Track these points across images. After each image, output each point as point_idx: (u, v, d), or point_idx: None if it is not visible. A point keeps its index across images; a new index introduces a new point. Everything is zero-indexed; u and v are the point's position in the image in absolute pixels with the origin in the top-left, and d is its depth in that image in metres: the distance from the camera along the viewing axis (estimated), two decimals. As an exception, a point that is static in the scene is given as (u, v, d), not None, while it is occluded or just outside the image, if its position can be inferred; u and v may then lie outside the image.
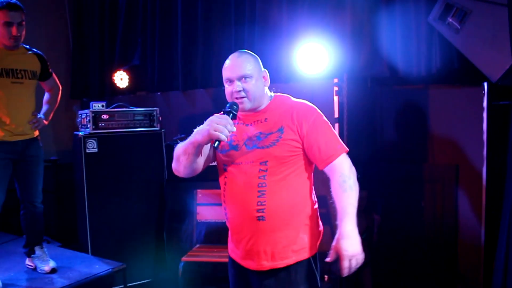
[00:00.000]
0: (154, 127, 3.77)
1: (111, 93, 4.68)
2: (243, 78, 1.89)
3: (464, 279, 3.82)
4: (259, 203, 1.85)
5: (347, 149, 1.90)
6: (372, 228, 3.89)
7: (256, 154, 1.86)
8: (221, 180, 1.98)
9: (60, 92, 3.32)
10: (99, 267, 3.27)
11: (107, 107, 3.70)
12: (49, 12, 4.98)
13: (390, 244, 3.92)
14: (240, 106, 1.89)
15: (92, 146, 3.54)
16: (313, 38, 3.61)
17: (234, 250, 2.00)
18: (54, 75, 3.26)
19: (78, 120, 3.76)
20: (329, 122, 1.94)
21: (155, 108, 3.77)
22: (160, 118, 3.80)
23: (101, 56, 4.80)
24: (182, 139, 3.72)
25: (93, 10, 4.85)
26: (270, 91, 2.03)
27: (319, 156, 1.87)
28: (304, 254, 1.90)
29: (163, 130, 3.82)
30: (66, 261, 3.33)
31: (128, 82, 4.52)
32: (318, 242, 1.98)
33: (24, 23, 2.95)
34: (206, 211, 3.53)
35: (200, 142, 1.80)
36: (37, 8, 4.65)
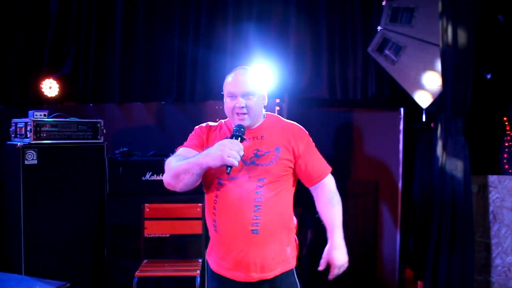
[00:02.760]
0: (98, 139, 3.67)
1: (35, 102, 4.40)
2: (247, 95, 1.96)
3: (381, 285, 4.30)
4: (254, 217, 1.93)
5: (331, 169, 2.11)
6: (304, 242, 4.21)
7: (254, 170, 1.94)
8: (212, 193, 2.01)
9: None
10: (39, 287, 3.08)
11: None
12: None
13: (317, 255, 4.27)
14: (239, 122, 1.96)
15: (31, 158, 3.34)
16: (257, 58, 3.87)
17: (218, 262, 2.03)
18: None
19: (11, 129, 3.51)
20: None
21: (99, 120, 3.68)
22: (105, 130, 3.71)
23: (25, 61, 4.49)
24: (125, 153, 3.73)
25: (16, 10, 4.52)
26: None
27: (311, 175, 2.04)
28: (288, 265, 2.05)
29: (106, 142, 3.73)
30: (-1, 283, 3.07)
31: (58, 91, 4.30)
32: (297, 254, 2.13)
33: None
34: (154, 225, 3.53)
35: (211, 166, 1.83)
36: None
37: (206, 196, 2.06)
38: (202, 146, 2.04)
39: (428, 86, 3.30)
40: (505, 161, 4.42)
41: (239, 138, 1.87)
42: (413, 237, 4.43)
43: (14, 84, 4.47)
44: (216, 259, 2.05)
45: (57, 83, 4.31)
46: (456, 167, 3.15)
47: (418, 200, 4.37)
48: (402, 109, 4.10)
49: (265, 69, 3.75)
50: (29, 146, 3.36)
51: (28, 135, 3.35)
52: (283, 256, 2.03)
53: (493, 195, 3.70)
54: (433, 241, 3.26)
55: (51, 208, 3.46)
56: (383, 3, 3.41)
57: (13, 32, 4.51)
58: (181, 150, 2.03)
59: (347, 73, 3.88)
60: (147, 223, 3.52)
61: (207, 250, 2.12)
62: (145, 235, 3.51)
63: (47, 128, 3.43)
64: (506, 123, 4.38)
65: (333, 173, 4.28)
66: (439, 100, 3.25)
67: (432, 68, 3.25)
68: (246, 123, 1.97)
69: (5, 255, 3.59)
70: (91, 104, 4.40)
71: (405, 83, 3.39)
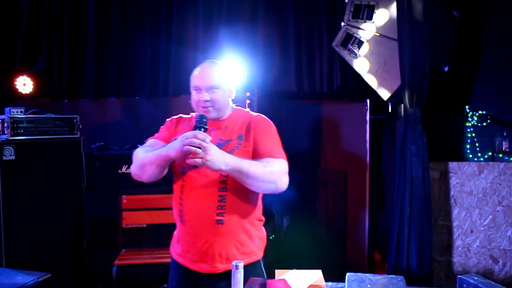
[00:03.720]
0: (75, 134, 3.82)
1: (9, 99, 4.51)
2: (211, 89, 1.98)
3: (351, 269, 4.58)
4: (219, 207, 1.94)
5: (286, 159, 1.99)
6: (281, 228, 4.45)
7: None
8: (178, 183, 2.02)
9: None
10: (21, 278, 3.23)
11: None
12: None
13: (294, 241, 4.52)
14: (204, 115, 1.95)
15: (9, 154, 3.48)
16: (228, 53, 4.06)
17: (183, 254, 2.04)
18: None
19: (-13, 126, 3.63)
20: (279, 137, 2.08)
21: (75, 115, 3.83)
22: (81, 126, 3.87)
23: (-4, 59, 4.59)
24: (101, 147, 3.90)
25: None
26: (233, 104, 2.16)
27: (257, 151, 1.96)
28: (255, 257, 2.05)
29: (82, 137, 3.89)
30: (-19, 275, 3.21)
31: (33, 88, 4.42)
32: (264, 247, 2.13)
33: None
34: (131, 216, 3.71)
35: (173, 157, 1.86)
36: None
37: (173, 188, 2.07)
38: (171, 137, 2.07)
39: (387, 79, 3.56)
40: (468, 147, 4.75)
41: (202, 129, 1.86)
42: (381, 222, 4.72)
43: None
44: (181, 252, 2.05)
45: (31, 80, 4.42)
46: (414, 154, 3.41)
47: (385, 187, 4.65)
48: (368, 101, 4.36)
49: (235, 64, 3.94)
50: (6, 142, 3.49)
51: (6, 132, 3.48)
52: (250, 246, 2.03)
53: (453, 181, 3.98)
54: (395, 224, 3.52)
55: (30, 202, 3.60)
56: (346, 0, 3.64)
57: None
58: (149, 142, 2.08)
59: (313, 67, 4.11)
60: (124, 214, 3.70)
61: (171, 242, 2.15)
62: (123, 226, 3.69)
63: (24, 125, 3.57)
64: (469, 112, 4.70)
65: (303, 163, 4.53)
66: (398, 91, 3.50)
67: (392, 62, 3.50)
68: (211, 115, 1.99)
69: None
70: (66, 100, 4.54)
71: (367, 76, 3.63)
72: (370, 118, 4.45)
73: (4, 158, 3.47)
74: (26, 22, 4.49)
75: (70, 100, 4.52)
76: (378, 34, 3.61)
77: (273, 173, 1.88)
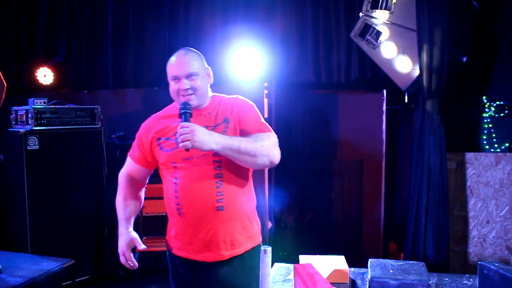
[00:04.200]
0: (95, 124, 3.92)
1: (30, 90, 4.63)
2: (191, 76, 1.95)
3: (367, 258, 4.65)
4: (218, 194, 1.93)
5: (273, 132, 2.02)
6: (303, 219, 4.53)
7: None
8: (170, 178, 2.01)
9: (5, 89, 3.32)
10: (47, 264, 3.35)
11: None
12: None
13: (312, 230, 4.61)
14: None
15: (33, 143, 3.59)
16: (246, 44, 4.11)
17: (185, 247, 2.02)
18: None
19: (12, 117, 3.74)
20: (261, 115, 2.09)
21: (96, 106, 3.93)
22: (102, 116, 3.96)
23: (17, 51, 4.70)
24: (121, 137, 3.99)
25: (6, 2, 4.72)
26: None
27: (247, 130, 1.97)
28: (256, 240, 2.06)
29: (103, 127, 3.99)
30: (8, 262, 3.32)
31: (53, 79, 4.53)
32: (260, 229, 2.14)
33: None
34: (151, 204, 3.81)
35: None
36: None
37: (164, 184, 2.07)
38: (145, 157, 2.12)
39: (406, 69, 3.59)
40: (484, 138, 4.76)
41: (187, 114, 1.88)
42: (397, 212, 4.77)
43: (9, 72, 4.67)
44: (182, 245, 2.03)
45: (51, 71, 4.53)
46: (432, 144, 3.45)
47: (401, 177, 4.69)
48: (384, 91, 4.39)
49: (253, 54, 3.99)
50: (30, 132, 3.60)
51: (30, 122, 3.58)
52: (252, 230, 2.05)
53: (470, 171, 4.01)
54: (412, 214, 3.58)
55: (53, 190, 3.72)
56: (364, -10, 3.66)
57: (5, 22, 4.70)
58: (127, 163, 2.21)
59: (331, 58, 4.14)
60: (145, 203, 3.77)
61: (167, 238, 2.15)
62: (144, 214, 3.79)
63: (47, 115, 3.67)
64: (486, 103, 4.71)
65: (319, 153, 4.59)
66: (416, 82, 3.53)
67: (410, 52, 3.53)
68: (193, 103, 1.97)
69: (12, 236, 3.85)
70: (85, 91, 4.64)
71: (386, 66, 3.66)
72: (386, 109, 4.48)
73: (28, 147, 3.58)
74: (46, 15, 4.60)
75: (90, 91, 4.62)
76: (396, 24, 3.63)
77: (264, 146, 1.90)
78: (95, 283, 3.98)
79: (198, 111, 2.00)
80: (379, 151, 4.53)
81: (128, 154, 2.20)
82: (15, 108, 3.75)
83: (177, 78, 1.97)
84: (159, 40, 4.46)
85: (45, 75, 4.49)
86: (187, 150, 1.82)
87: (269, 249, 1.70)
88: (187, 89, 1.95)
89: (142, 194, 2.28)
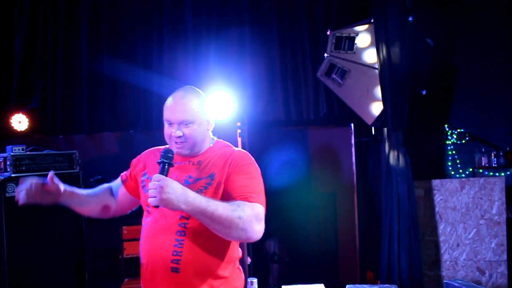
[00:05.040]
0: (74, 169, 4.02)
1: (3, 136, 4.70)
2: (184, 123, 1.83)
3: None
4: (174, 253, 1.77)
5: (264, 205, 1.81)
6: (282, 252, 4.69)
7: None
8: (143, 221, 1.93)
9: None
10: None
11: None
12: None
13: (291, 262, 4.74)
14: (177, 150, 1.87)
15: (11, 190, 3.66)
16: (218, 85, 4.34)
17: None
18: None
19: (-11, 165, 3.82)
20: (260, 178, 1.91)
21: (74, 151, 4.04)
22: (80, 161, 4.07)
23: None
24: (99, 180, 4.10)
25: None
26: (213, 135, 2.03)
27: (232, 193, 1.78)
28: None
29: (81, 172, 4.09)
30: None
31: (28, 125, 4.62)
32: (243, 284, 1.99)
33: None
34: (132, 246, 3.91)
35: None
36: None
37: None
38: (131, 178, 2.11)
39: (370, 105, 3.88)
40: (449, 164, 5.07)
41: (166, 165, 1.76)
42: (371, 241, 4.97)
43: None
44: None
45: (26, 117, 4.63)
46: (399, 174, 3.72)
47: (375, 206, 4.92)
48: (352, 125, 4.68)
49: (225, 95, 4.22)
50: (9, 180, 3.68)
51: (8, 169, 3.67)
52: None
53: (437, 197, 4.28)
54: (385, 242, 3.80)
55: (32, 236, 3.77)
56: (328, 32, 3.98)
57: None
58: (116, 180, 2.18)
59: (300, 96, 4.43)
60: (125, 244, 3.90)
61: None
62: (125, 256, 3.88)
63: (26, 161, 3.76)
64: (448, 131, 5.04)
65: (293, 187, 4.78)
66: (381, 116, 3.82)
67: (373, 89, 3.84)
68: (184, 152, 1.88)
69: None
70: (61, 136, 4.75)
71: (351, 103, 3.95)
72: (355, 141, 4.75)
73: (7, 194, 3.65)
74: (20, 61, 4.72)
75: (65, 135, 4.73)
76: (360, 63, 3.94)
77: (242, 219, 1.67)
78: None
79: (187, 158, 1.90)
80: (351, 183, 4.77)
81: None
82: (-7, 155, 3.84)
83: (170, 123, 1.86)
84: (133, 85, 4.63)
85: (19, 122, 4.58)
86: (156, 207, 1.70)
87: (255, 280, 1.86)
88: (179, 136, 1.83)
89: (108, 209, 2.13)
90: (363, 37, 3.90)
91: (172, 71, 4.61)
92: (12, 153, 3.72)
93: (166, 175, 1.72)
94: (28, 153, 3.82)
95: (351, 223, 4.79)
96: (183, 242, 1.77)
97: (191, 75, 4.57)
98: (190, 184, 1.80)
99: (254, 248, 4.43)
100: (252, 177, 1.84)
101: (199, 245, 1.79)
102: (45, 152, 3.93)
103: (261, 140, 4.66)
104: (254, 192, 1.79)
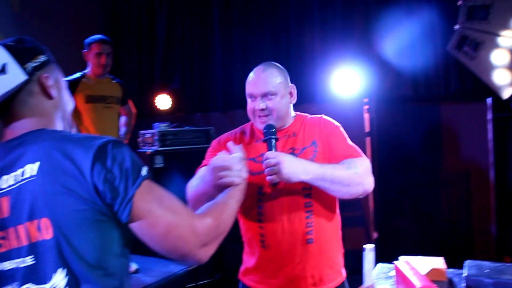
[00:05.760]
0: (210, 144, 4.47)
1: (150, 115, 5.36)
2: (267, 96, 1.85)
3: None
4: (307, 225, 1.82)
5: (364, 156, 1.88)
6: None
7: None
8: (252, 205, 1.88)
9: (135, 116, 4.02)
10: (173, 267, 3.93)
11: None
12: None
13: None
14: (262, 125, 1.85)
15: (159, 162, 4.23)
16: (344, 62, 4.43)
17: (267, 281, 1.89)
18: (130, 101, 3.97)
19: (140, 139, 4.44)
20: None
21: (210, 127, 4.51)
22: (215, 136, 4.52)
23: (140, 81, 5.50)
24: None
25: (131, 39, 5.58)
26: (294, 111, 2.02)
27: (337, 155, 1.85)
28: (343, 275, 1.97)
29: (216, 146, 4.54)
30: (143, 264, 3.97)
31: (171, 105, 5.22)
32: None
33: (111, 55, 3.68)
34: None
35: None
36: (69, 33, 4.86)
37: (243, 210, 1.91)
38: None
39: (506, 78, 3.67)
40: None
41: (273, 140, 1.77)
42: (510, 225, 4.69)
43: (134, 100, 5.46)
44: (262, 279, 1.90)
45: (169, 97, 5.23)
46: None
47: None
48: (490, 99, 4.43)
49: (352, 72, 4.30)
50: (157, 153, 4.25)
51: (155, 143, 4.24)
52: (340, 264, 1.96)
53: None
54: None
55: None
56: (459, 3, 3.81)
57: (129, 59, 5.57)
58: (199, 172, 1.99)
59: (429, 70, 4.32)
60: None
61: (242, 270, 2.00)
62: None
63: (170, 137, 4.31)
64: None
65: (423, 165, 4.72)
66: (518, 90, 3.61)
67: (508, 60, 3.62)
68: None
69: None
70: (198, 114, 5.28)
71: (486, 76, 3.77)
72: (494, 117, 4.50)
73: (155, 166, 4.23)
74: (162, 48, 5.33)
75: (203, 113, 5.25)
76: (494, 33, 3.74)
77: (358, 174, 1.78)
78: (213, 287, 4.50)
79: (281, 132, 1.91)
80: (486, 161, 4.54)
81: (198, 168, 2.03)
82: (142, 131, 4.44)
83: (252, 96, 1.89)
84: (262, 60, 4.92)
85: (163, 101, 5.18)
86: (275, 185, 1.72)
87: (372, 246, 2.00)
88: (263, 109, 1.85)
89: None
90: (500, 4, 3.68)
91: (299, 48, 4.80)
92: (159, 129, 4.28)
93: (276, 151, 1.76)
94: (171, 129, 4.35)
95: (486, 205, 4.58)
96: (312, 213, 1.83)
97: (317, 52, 4.72)
98: (298, 155, 1.85)
99: (380, 224, 4.52)
100: (346, 137, 1.92)
101: (324, 212, 1.87)
102: (185, 128, 4.43)
103: (389, 116, 4.67)
104: (354, 149, 1.88)
